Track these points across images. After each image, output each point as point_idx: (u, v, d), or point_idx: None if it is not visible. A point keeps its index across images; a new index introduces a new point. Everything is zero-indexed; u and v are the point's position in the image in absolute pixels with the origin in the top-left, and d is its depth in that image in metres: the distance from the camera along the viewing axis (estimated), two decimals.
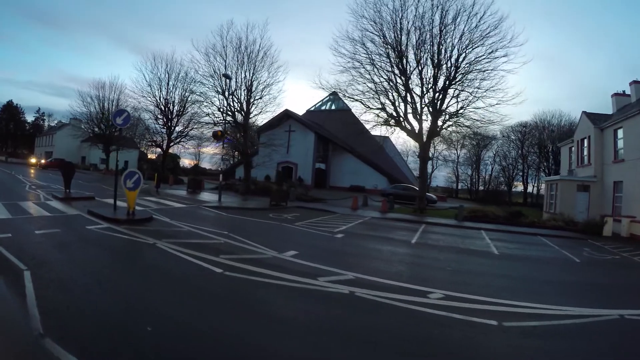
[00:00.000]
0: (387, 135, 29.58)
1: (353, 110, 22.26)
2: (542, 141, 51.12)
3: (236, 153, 54.64)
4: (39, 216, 9.08)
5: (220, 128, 21.17)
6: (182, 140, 35.34)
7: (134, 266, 5.72)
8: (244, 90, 24.83)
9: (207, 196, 18.85)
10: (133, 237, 7.39)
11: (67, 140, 52.14)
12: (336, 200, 20.99)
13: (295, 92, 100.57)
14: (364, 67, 19.57)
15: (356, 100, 20.01)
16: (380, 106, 19.65)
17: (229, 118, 25.48)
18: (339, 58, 20.61)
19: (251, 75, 24.23)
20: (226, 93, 24.85)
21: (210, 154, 64.11)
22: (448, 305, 4.69)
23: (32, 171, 33.07)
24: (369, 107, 19.75)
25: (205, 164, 65.71)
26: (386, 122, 19.75)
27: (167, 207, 13.17)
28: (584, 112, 21.65)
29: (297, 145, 34.31)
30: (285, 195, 17.38)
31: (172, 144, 35.00)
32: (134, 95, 34.46)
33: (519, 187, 55.90)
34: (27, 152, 60.99)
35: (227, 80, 23.04)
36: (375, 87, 19.52)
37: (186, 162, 62.69)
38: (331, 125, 41.36)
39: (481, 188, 58.26)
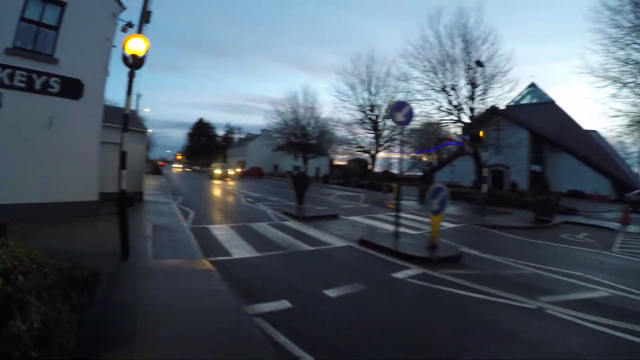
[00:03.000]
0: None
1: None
2: None
3: (424, 157, 52.78)
4: (297, 252, 6.84)
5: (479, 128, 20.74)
6: (392, 144, 36.10)
7: None
8: (467, 85, 23.53)
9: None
10: (500, 300, 4.99)
11: (259, 150, 58.56)
12: (587, 212, 20.68)
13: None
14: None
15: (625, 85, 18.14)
16: None
17: (453, 117, 24.92)
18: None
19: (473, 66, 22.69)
20: (447, 89, 24.06)
21: (396, 158, 65.66)
22: None
23: (229, 180, 35.38)
24: None
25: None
26: None
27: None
28: None
29: (506, 145, 33.82)
30: (549, 209, 16.87)
31: (380, 148, 36.54)
32: (335, 101, 36.56)
33: None
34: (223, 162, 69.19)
35: (480, 67, 22.03)
36: None
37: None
38: (536, 121, 38.61)
39: None
